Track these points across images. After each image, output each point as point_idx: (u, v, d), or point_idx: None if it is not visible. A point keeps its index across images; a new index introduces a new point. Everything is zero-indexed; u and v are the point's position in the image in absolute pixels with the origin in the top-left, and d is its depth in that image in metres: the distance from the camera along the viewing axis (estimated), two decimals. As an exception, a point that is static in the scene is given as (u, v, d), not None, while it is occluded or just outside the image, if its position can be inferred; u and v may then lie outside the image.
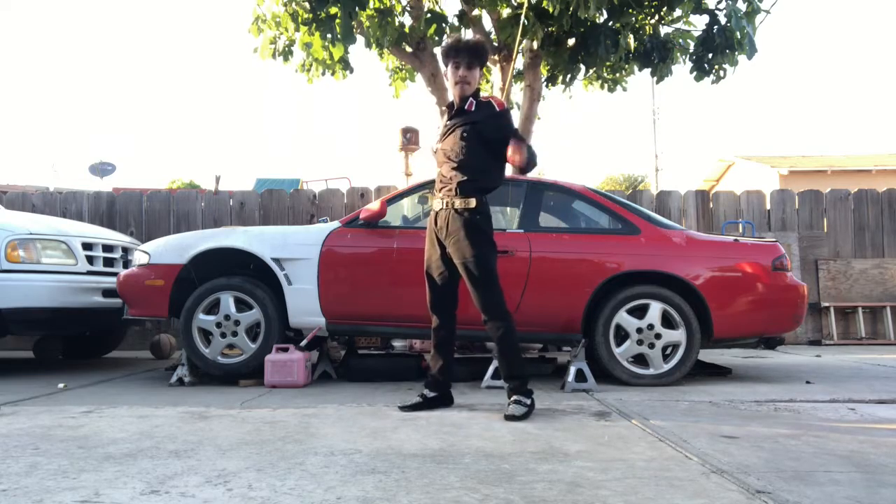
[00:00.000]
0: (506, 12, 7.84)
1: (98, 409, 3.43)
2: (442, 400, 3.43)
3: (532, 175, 4.50)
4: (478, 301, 3.26)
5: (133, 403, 3.59)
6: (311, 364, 4.46)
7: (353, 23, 6.93)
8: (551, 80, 8.28)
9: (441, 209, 3.33)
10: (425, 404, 3.38)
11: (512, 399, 3.20)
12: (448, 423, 3.00)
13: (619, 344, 4.27)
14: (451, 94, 3.45)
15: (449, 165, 3.33)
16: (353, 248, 4.41)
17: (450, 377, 3.48)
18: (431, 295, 3.43)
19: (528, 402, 3.18)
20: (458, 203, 3.26)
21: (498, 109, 3.33)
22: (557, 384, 4.19)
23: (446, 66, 3.38)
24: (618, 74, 8.44)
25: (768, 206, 7.83)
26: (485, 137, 3.28)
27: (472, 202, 3.26)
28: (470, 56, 3.31)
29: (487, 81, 8.95)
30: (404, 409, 3.34)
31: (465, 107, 3.33)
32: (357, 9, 6.79)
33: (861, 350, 6.92)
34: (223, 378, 4.37)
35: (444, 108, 3.54)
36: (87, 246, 5.17)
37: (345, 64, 7.92)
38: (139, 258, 4.63)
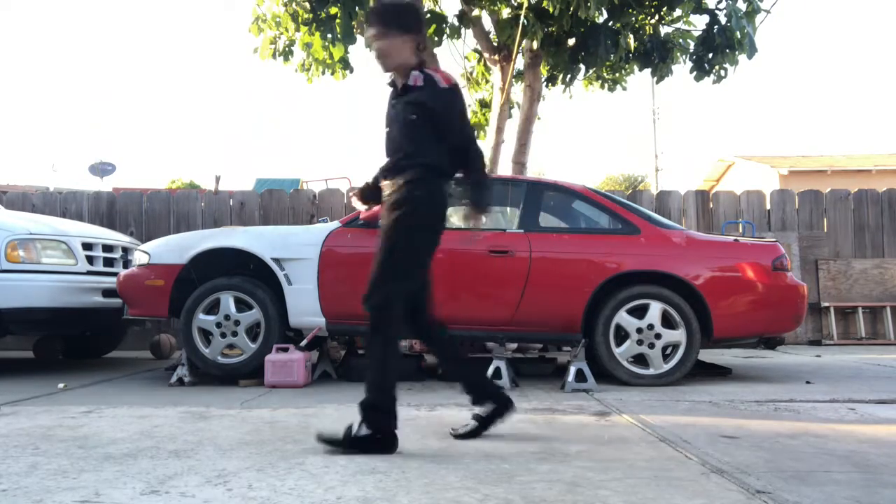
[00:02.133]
0: (506, 12, 7.83)
1: (98, 409, 3.43)
2: (500, 411, 2.74)
3: (532, 175, 4.50)
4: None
5: (133, 403, 3.59)
6: (311, 364, 4.46)
7: (353, 23, 6.92)
8: (551, 80, 8.28)
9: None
10: (482, 426, 2.74)
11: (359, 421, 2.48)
12: (448, 424, 3.00)
13: (619, 344, 4.27)
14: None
15: None
16: (353, 248, 4.41)
17: (486, 381, 2.99)
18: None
19: (370, 432, 2.45)
20: None
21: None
22: (557, 384, 4.19)
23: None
24: (618, 74, 8.43)
25: (768, 206, 7.83)
26: None
27: None
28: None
29: (487, 81, 8.93)
30: (458, 437, 2.73)
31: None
32: (357, 9, 6.79)
33: (861, 350, 6.92)
34: (223, 378, 4.38)
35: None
36: (87, 246, 5.16)
37: (345, 64, 7.90)
38: (139, 258, 4.63)
